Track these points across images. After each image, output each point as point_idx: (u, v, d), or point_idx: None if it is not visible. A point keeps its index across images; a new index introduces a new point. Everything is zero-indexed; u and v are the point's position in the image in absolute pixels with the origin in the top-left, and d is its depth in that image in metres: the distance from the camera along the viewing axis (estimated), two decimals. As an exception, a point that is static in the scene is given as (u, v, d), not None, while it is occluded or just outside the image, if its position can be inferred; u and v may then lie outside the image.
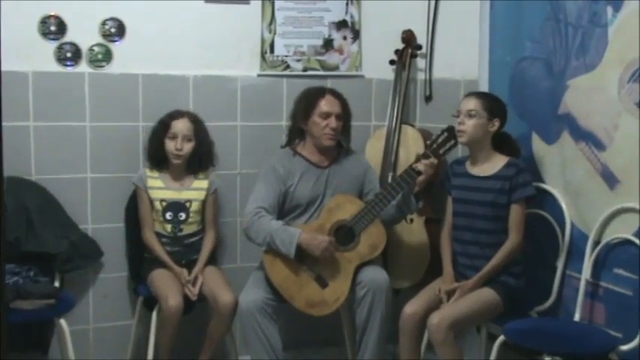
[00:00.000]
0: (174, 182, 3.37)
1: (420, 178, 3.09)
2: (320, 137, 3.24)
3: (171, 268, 3.27)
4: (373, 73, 3.88)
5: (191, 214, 3.35)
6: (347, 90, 3.44)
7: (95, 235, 3.44)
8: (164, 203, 3.33)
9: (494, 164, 3.08)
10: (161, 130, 3.32)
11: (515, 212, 3.02)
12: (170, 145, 3.29)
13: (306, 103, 3.26)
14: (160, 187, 3.35)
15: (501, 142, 3.12)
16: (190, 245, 3.37)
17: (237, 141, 3.65)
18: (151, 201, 3.34)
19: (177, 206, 3.34)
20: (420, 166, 3.07)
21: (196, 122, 3.36)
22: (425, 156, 3.09)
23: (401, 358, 3.08)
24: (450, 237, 3.19)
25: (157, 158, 3.36)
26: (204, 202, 3.40)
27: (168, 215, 3.33)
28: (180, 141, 3.28)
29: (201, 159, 3.38)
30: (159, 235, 3.34)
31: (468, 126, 3.03)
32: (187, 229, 3.36)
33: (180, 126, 3.30)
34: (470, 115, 3.04)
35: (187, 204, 3.34)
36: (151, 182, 3.35)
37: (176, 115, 3.34)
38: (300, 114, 3.27)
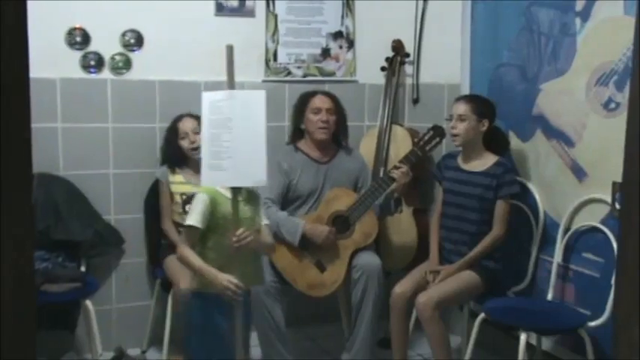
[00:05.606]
0: (195, 177, 3.20)
1: (396, 185, 3.12)
2: (314, 132, 3.25)
3: None
4: (366, 79, 3.88)
5: None
6: (342, 94, 3.45)
7: (117, 225, 3.45)
8: (184, 197, 3.28)
9: (484, 161, 3.09)
10: (172, 133, 3.31)
11: (501, 207, 3.03)
12: (184, 144, 3.27)
13: (301, 103, 3.30)
14: (180, 182, 3.31)
15: (491, 136, 3.12)
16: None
17: (243, 140, 3.64)
18: (172, 194, 3.32)
19: None
20: (394, 174, 3.11)
21: (199, 120, 3.25)
22: (395, 167, 3.13)
23: (392, 333, 3.11)
24: (439, 224, 3.19)
25: (174, 159, 3.32)
26: None
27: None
28: (192, 136, 3.23)
29: None
30: (177, 225, 3.28)
31: (460, 129, 3.04)
32: None
33: (187, 124, 3.27)
34: (461, 120, 3.04)
35: None
36: (172, 177, 3.32)
37: (180, 117, 3.31)
38: (296, 114, 3.31)
